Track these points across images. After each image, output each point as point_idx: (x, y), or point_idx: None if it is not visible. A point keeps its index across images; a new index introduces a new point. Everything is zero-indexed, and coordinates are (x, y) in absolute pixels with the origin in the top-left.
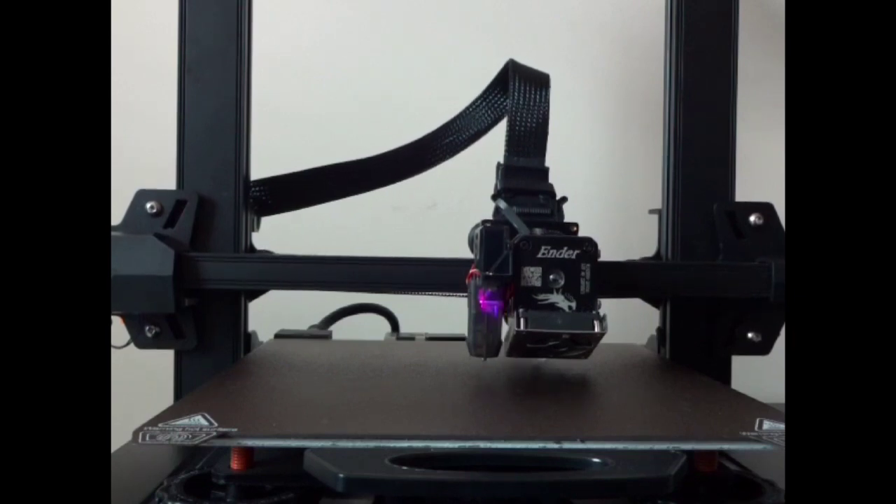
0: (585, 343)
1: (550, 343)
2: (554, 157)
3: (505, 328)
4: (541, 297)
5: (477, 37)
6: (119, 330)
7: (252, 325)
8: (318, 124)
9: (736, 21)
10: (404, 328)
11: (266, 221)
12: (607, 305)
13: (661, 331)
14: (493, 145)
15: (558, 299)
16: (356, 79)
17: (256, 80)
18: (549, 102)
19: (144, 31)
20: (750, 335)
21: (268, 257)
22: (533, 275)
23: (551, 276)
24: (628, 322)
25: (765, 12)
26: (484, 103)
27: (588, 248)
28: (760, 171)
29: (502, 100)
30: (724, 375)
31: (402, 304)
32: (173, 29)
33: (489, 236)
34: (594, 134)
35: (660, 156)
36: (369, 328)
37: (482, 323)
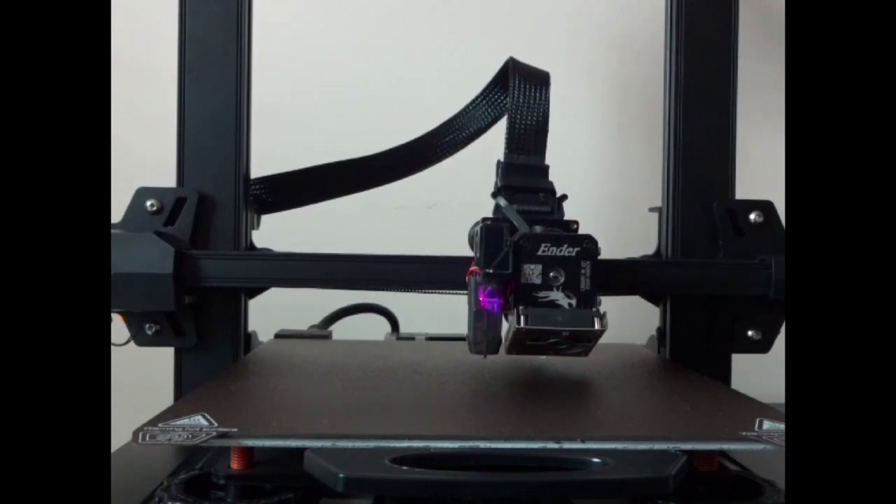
0: (585, 340)
1: (550, 340)
2: (554, 156)
3: (505, 325)
4: (541, 294)
5: (476, 36)
6: (119, 328)
7: (252, 325)
8: (318, 124)
9: (736, 21)
10: (404, 328)
11: (264, 223)
12: (607, 305)
13: (661, 331)
14: (494, 145)
15: (558, 296)
16: (355, 78)
17: (256, 79)
18: (549, 100)
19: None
20: (750, 333)
21: (268, 255)
22: (533, 272)
23: (551, 274)
24: (628, 322)
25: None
26: (484, 101)
27: (588, 245)
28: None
29: (502, 98)
30: (725, 374)
31: (402, 304)
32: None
33: (489, 233)
34: (594, 132)
35: (660, 154)
36: (369, 328)
37: (482, 320)
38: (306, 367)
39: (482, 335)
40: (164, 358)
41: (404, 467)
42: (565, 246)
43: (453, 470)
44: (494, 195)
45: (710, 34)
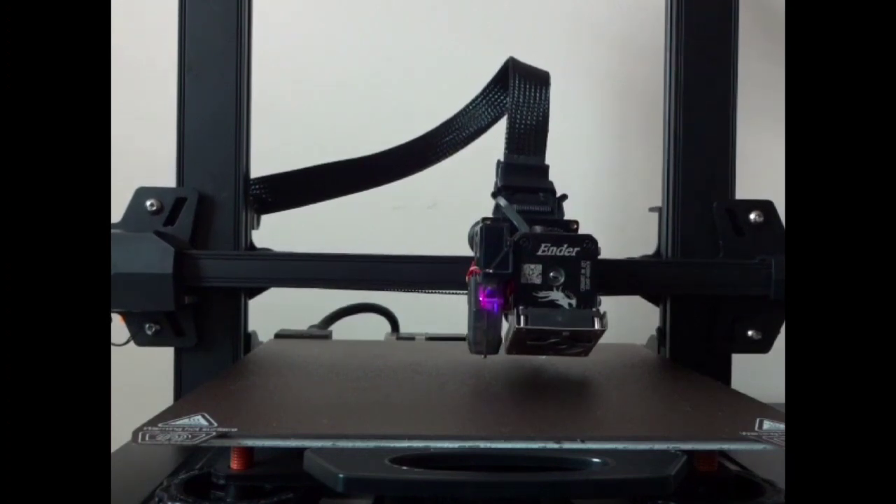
0: (585, 340)
1: (550, 340)
2: (554, 156)
3: (505, 325)
4: (541, 294)
5: (476, 36)
6: (119, 328)
7: (252, 325)
8: (318, 124)
9: (736, 21)
10: (404, 328)
11: (264, 223)
12: (607, 305)
13: (661, 331)
14: (494, 145)
15: (558, 296)
16: (355, 78)
17: (256, 79)
18: (549, 100)
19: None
20: (750, 333)
21: (268, 255)
22: (533, 272)
23: (551, 274)
24: (628, 322)
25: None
26: (484, 101)
27: (588, 245)
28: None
29: (502, 97)
30: (725, 374)
31: (402, 304)
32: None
33: (489, 233)
34: (594, 132)
35: (660, 154)
36: (369, 328)
37: (482, 320)
38: (306, 367)
39: (482, 335)
40: (164, 358)
41: (404, 467)
42: (565, 246)
43: (453, 470)
44: (494, 195)
45: (710, 34)
